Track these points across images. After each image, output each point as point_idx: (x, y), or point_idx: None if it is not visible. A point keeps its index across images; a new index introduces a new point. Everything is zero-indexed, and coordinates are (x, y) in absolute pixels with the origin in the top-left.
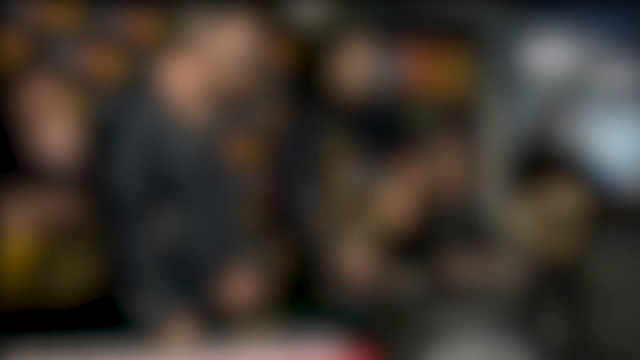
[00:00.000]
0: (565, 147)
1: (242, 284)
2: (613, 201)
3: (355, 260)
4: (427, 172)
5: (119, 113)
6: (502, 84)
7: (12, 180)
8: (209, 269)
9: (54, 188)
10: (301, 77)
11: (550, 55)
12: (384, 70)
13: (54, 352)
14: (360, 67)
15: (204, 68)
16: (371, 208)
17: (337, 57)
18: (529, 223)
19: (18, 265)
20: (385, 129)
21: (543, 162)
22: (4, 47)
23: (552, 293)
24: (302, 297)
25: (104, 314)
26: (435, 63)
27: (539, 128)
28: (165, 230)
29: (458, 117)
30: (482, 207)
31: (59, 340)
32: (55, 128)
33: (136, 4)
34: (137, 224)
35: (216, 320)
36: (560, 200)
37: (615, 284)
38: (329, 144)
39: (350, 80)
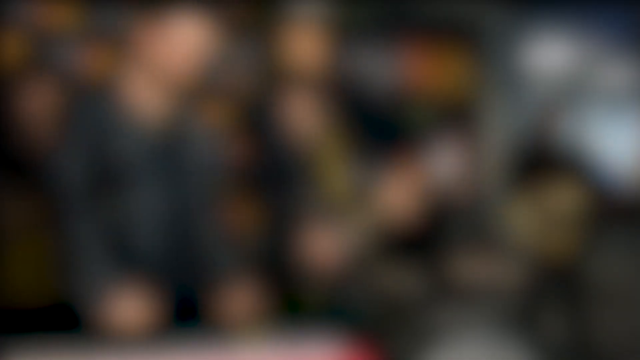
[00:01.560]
0: (565, 147)
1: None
2: (613, 200)
3: (320, 249)
4: (427, 171)
5: (71, 109)
6: (502, 83)
7: (11, 180)
8: (162, 256)
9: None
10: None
11: (550, 55)
12: (384, 70)
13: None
14: (315, 50)
15: (159, 63)
16: (369, 205)
17: (296, 42)
18: (529, 222)
19: None
20: (385, 128)
21: (543, 161)
22: (4, 47)
23: (552, 293)
24: (295, 294)
25: (64, 315)
26: (435, 63)
27: (538, 127)
28: (110, 220)
29: (458, 117)
30: (482, 207)
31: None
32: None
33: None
34: (82, 217)
35: (206, 321)
36: (560, 200)
37: (615, 284)
38: (323, 139)
39: (306, 67)
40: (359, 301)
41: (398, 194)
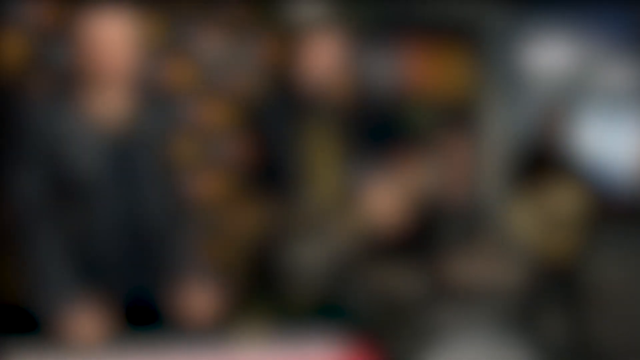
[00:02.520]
0: (564, 147)
1: (192, 284)
2: (612, 201)
3: (316, 257)
4: (424, 172)
5: (26, 117)
6: (502, 83)
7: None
8: (124, 263)
9: None
10: (286, 71)
11: (550, 55)
12: (384, 70)
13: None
14: (330, 60)
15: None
16: (355, 208)
17: (314, 48)
18: (529, 223)
19: None
20: (382, 129)
21: (543, 162)
22: (4, 47)
23: (552, 293)
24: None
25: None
26: (435, 63)
27: (538, 128)
28: (69, 230)
29: (458, 117)
30: (482, 207)
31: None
32: None
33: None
34: (40, 226)
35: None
36: (560, 201)
37: (615, 284)
38: (312, 141)
39: (327, 73)
40: (358, 302)
41: (383, 197)
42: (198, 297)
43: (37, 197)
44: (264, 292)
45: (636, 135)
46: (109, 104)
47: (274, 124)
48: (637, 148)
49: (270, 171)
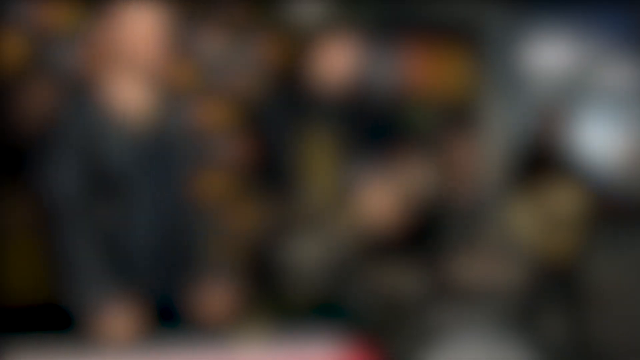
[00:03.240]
0: (564, 147)
1: (213, 284)
2: (611, 201)
3: (311, 255)
4: (422, 172)
5: (60, 113)
6: (502, 83)
7: (8, 180)
8: (154, 260)
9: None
10: (287, 72)
11: (550, 55)
12: (384, 70)
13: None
14: (343, 62)
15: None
16: (351, 207)
17: (320, 51)
18: (529, 223)
19: None
20: (381, 128)
21: (542, 162)
22: (4, 47)
23: (552, 293)
24: (292, 296)
25: (54, 315)
26: (435, 63)
27: (537, 127)
28: (103, 226)
29: (458, 117)
30: (481, 207)
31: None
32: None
33: None
34: (75, 223)
35: (201, 322)
36: (560, 200)
37: (615, 284)
38: (311, 140)
39: (332, 75)
40: (358, 301)
41: (379, 196)
42: (216, 296)
43: (73, 193)
44: (264, 291)
45: (635, 135)
46: (134, 98)
47: (274, 123)
48: (636, 148)
49: (269, 170)
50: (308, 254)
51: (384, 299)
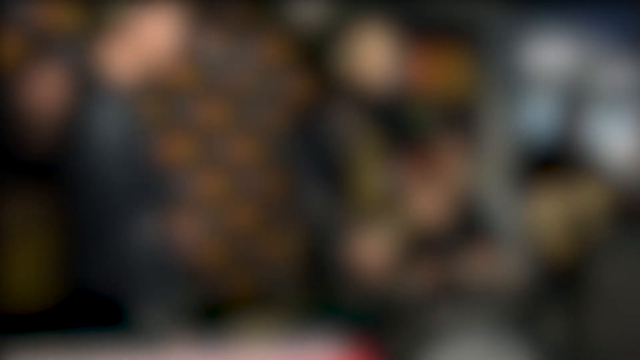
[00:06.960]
0: (584, 147)
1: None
2: (624, 199)
3: (371, 256)
4: (450, 172)
5: (83, 114)
6: (503, 83)
7: (11, 178)
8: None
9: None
10: (304, 73)
11: (551, 54)
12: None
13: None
14: (379, 56)
15: (140, 58)
16: (400, 206)
17: (352, 47)
18: (549, 221)
19: None
20: (391, 128)
21: (563, 159)
22: (4, 47)
23: (557, 293)
24: (304, 296)
25: (76, 313)
26: (436, 63)
27: (558, 127)
28: (151, 230)
29: (459, 117)
30: (485, 207)
31: (44, 340)
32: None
33: None
34: (126, 225)
35: (212, 320)
36: (582, 198)
37: (621, 285)
38: (355, 141)
39: (369, 71)
40: (359, 301)
41: (429, 196)
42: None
43: (115, 189)
44: (320, 290)
45: (636, 135)
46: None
47: (325, 127)
48: (636, 148)
49: (321, 173)
50: (368, 253)
51: (387, 298)
